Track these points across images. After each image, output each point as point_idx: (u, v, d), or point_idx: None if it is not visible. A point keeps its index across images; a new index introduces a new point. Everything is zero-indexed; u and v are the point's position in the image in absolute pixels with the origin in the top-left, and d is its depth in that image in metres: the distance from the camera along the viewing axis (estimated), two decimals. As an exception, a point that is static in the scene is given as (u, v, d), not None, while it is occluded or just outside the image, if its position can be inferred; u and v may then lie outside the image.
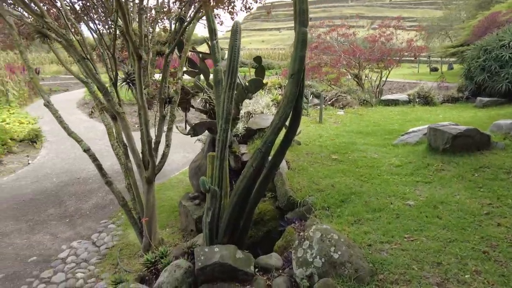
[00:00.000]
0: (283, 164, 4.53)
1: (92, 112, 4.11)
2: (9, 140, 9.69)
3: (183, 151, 9.53)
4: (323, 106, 9.08)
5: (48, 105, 3.97)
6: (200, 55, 5.17)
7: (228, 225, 3.48)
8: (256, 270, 3.01)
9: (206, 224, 3.35)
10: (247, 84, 4.13)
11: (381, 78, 9.51)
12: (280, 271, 2.99)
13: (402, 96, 9.13)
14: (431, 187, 3.67)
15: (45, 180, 7.85)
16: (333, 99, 9.30)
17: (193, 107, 5.25)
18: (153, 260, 3.86)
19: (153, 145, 4.15)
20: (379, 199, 3.46)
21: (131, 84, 3.71)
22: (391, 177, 4.05)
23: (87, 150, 4.16)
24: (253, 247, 3.90)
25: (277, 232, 3.68)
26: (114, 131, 4.38)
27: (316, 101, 9.17)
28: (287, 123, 3.13)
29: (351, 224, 3.05)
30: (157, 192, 6.97)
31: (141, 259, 4.64)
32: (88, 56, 3.34)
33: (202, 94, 4.86)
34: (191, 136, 5.05)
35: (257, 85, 4.00)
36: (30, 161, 9.13)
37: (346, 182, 3.92)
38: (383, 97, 9.17)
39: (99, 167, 4.25)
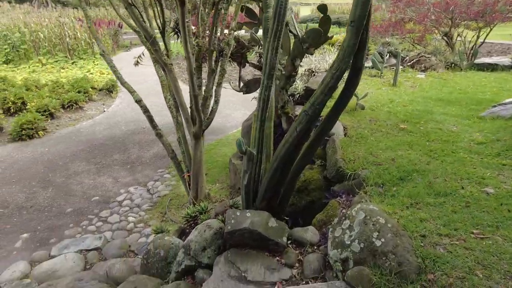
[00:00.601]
0: (339, 129, 4.05)
1: (137, 62, 4.01)
2: (90, 89, 10.56)
3: (244, 108, 9.40)
4: (401, 67, 8.01)
5: (103, 54, 4.00)
6: (261, 4, 4.70)
7: (266, 191, 3.24)
8: (289, 242, 2.76)
9: (243, 186, 3.14)
10: (304, 36, 3.63)
11: (478, 37, 7.93)
12: (315, 247, 2.69)
13: (504, 60, 7.55)
14: (523, 173, 2.92)
15: (115, 127, 8.45)
16: (414, 60, 8.10)
17: (248, 62, 4.91)
18: (193, 215, 3.86)
19: (200, 100, 4.00)
20: (448, 181, 2.86)
21: (180, 34, 3.50)
22: (469, 155, 3.33)
23: (138, 101, 4.18)
24: (295, 216, 3.64)
25: (321, 204, 3.34)
26: (167, 83, 4.33)
27: (393, 61, 8.09)
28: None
29: (406, 208, 2.57)
30: (214, 148, 7.04)
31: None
32: (133, 2, 3.18)
33: (257, 47, 4.48)
34: (243, 93, 4.77)
35: (315, 36, 3.48)
36: (105, 109, 9.90)
37: (410, 157, 3.33)
38: (478, 60, 7.69)
39: (150, 119, 4.28)
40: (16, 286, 3.45)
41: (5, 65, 14.37)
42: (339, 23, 23.28)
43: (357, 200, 2.86)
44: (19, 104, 8.92)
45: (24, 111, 8.73)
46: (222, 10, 3.68)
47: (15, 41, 14.70)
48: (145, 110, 4.23)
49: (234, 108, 9.57)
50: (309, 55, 5.01)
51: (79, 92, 10.06)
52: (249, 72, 11.83)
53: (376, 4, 21.31)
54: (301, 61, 4.69)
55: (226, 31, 4.02)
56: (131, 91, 4.23)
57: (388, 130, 4.06)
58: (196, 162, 4.34)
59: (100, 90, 11.20)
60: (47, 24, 14.90)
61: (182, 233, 3.97)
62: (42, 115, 8.51)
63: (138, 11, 3.27)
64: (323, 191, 3.46)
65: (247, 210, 2.88)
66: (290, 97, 5.09)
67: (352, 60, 2.64)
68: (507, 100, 4.36)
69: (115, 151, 7.13)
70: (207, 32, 4.09)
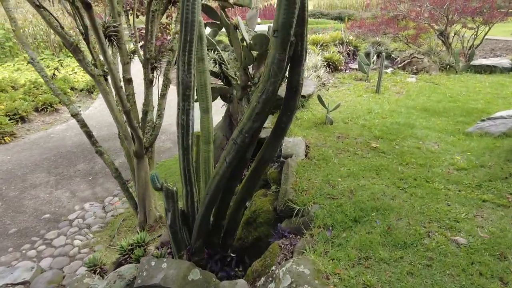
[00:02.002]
0: (300, 149, 3.51)
1: (54, 74, 3.51)
2: (69, 90, 10.10)
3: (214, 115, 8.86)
4: (391, 69, 7.41)
5: (32, 62, 3.50)
6: (220, 3, 4.15)
7: (201, 227, 2.74)
8: (215, 300, 2.26)
9: (168, 227, 2.64)
10: (250, 42, 3.09)
11: (476, 36, 7.27)
12: (244, 309, 2.19)
13: (503, 61, 6.89)
14: (506, 216, 2.37)
15: (86, 132, 7.97)
16: (406, 62, 7.48)
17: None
18: (129, 248, 3.37)
19: (141, 115, 3.50)
20: (412, 226, 2.32)
21: (113, 40, 2.98)
22: (446, 186, 2.79)
23: (75, 115, 3.68)
24: (243, 252, 3.14)
25: (268, 243, 2.83)
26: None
27: (385, 63, 7.50)
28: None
29: (352, 266, 2.04)
30: (175, 162, 6.50)
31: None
32: (41, 3, 2.66)
33: (212, 53, 3.94)
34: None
35: (262, 42, 2.95)
36: (82, 111, 9.42)
37: (374, 189, 2.79)
38: (475, 62, 7.04)
39: (88, 135, 3.77)
40: None
41: (-11, 64, 13.98)
42: (340, 18, 22.44)
43: (299, 247, 2.34)
44: (-10, 107, 8.48)
45: (-6, 114, 8.29)
46: (157, 12, 3.14)
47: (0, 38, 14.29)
48: (82, 125, 3.73)
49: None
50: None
51: (55, 93, 9.60)
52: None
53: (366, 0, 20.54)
54: (258, 68, 4.15)
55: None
56: (67, 104, 3.73)
57: (357, 150, 3.52)
58: (140, 184, 3.84)
59: (80, 90, 10.74)
60: (31, 21, 14.42)
61: (119, 267, 3.47)
62: (11, 119, 8.07)
63: (50, 13, 2.75)
64: (271, 227, 2.94)
65: (165, 259, 2.37)
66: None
67: (287, 79, 2.11)
68: (497, 114, 3.78)
69: (80, 160, 6.66)
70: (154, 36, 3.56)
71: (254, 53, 3.54)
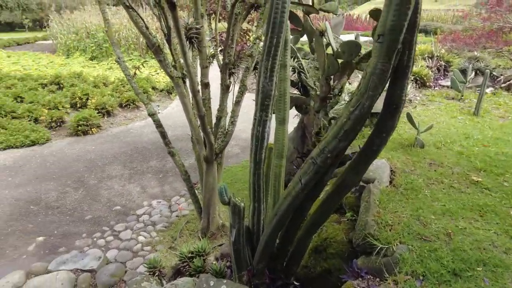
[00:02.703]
0: (384, 174, 3.09)
1: (135, 73, 3.57)
2: (150, 89, 10.78)
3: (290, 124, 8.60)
4: (492, 89, 6.44)
5: (118, 61, 3.66)
6: (304, 8, 3.93)
7: (265, 248, 2.50)
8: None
9: (231, 243, 2.45)
10: (338, 49, 2.78)
11: None
12: None
13: None
14: None
15: (161, 131, 8.35)
16: (511, 81, 6.44)
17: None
18: (189, 256, 3.28)
19: (214, 120, 3.41)
20: (536, 295, 1.79)
21: (194, 42, 2.94)
22: None
23: (151, 115, 3.75)
24: (308, 282, 2.82)
25: (338, 278, 2.47)
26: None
27: (480, 80, 6.55)
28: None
29: (452, 336, 1.61)
30: (242, 169, 6.37)
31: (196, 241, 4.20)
32: (130, 3, 2.70)
33: (293, 60, 3.72)
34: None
35: (352, 50, 2.62)
36: (159, 111, 9.95)
37: (478, 234, 2.28)
38: None
39: (163, 135, 3.81)
40: (1, 303, 3.26)
41: (90, 61, 15.69)
42: (426, 31, 20.88)
43: (380, 295, 1.96)
44: (84, 100, 9.39)
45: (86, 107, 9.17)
46: (239, 16, 3.01)
47: (99, 40, 15.98)
48: (158, 125, 3.79)
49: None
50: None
51: (138, 91, 10.32)
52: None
53: (463, 8, 18.52)
54: (348, 78, 3.81)
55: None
56: (145, 103, 3.82)
57: (453, 182, 2.97)
58: (207, 189, 3.76)
59: (161, 90, 11.42)
60: (125, 25, 15.87)
61: (177, 273, 3.41)
62: (99, 112, 8.83)
63: (138, 14, 2.79)
64: (344, 261, 2.58)
65: (224, 281, 2.18)
66: (333, 121, 4.21)
67: (387, 93, 1.78)
68: None
69: (153, 157, 6.96)
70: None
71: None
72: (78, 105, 9.37)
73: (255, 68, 3.42)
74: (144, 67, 13.76)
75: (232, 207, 2.18)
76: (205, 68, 3.39)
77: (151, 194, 5.65)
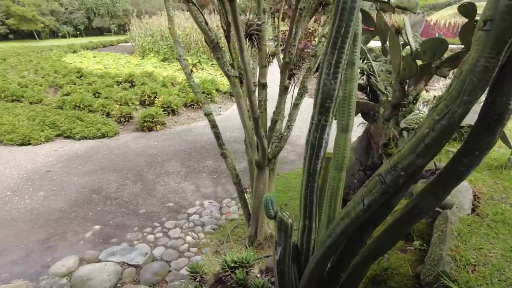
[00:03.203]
0: (464, 199, 2.57)
1: (191, 70, 3.47)
2: (214, 91, 10.99)
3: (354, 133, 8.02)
4: None
5: (179, 59, 3.63)
6: (377, 5, 3.52)
7: (314, 272, 2.18)
8: None
9: (275, 263, 2.17)
10: (418, 48, 2.36)
11: None
12: None
13: None
14: None
15: (221, 132, 8.38)
16: None
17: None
18: (232, 266, 3.08)
19: (269, 124, 3.19)
20: None
21: (253, 39, 2.76)
22: None
23: (207, 115, 3.66)
24: (360, 315, 2.43)
25: (400, 319, 2.06)
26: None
27: None
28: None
29: None
30: (296, 176, 6.04)
31: (241, 248, 4.00)
32: (193, -3, 2.60)
33: (362, 62, 3.34)
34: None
35: (436, 49, 2.19)
36: (221, 112, 10.08)
37: None
38: None
39: (217, 136, 3.70)
40: (53, 284, 3.39)
41: (162, 62, 16.68)
42: None
43: None
44: (152, 98, 9.90)
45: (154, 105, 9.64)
46: (304, 11, 2.74)
47: (171, 43, 16.91)
48: (213, 126, 3.68)
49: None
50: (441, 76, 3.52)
51: (202, 93, 10.57)
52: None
53: None
54: (426, 84, 3.31)
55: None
56: (203, 103, 3.75)
57: None
58: (257, 195, 3.54)
59: (224, 92, 11.60)
60: (196, 28, 16.53)
61: (219, 282, 3.23)
62: (164, 111, 9.21)
63: (198, 8, 2.68)
64: (408, 298, 2.15)
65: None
66: (404, 131, 3.72)
67: (485, 100, 1.37)
68: None
69: (210, 157, 6.98)
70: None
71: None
72: (147, 103, 9.90)
73: (317, 70, 3.13)
74: (200, 64, 14.21)
75: (278, 222, 1.92)
76: (263, 67, 3.19)
77: (204, 193, 5.62)
